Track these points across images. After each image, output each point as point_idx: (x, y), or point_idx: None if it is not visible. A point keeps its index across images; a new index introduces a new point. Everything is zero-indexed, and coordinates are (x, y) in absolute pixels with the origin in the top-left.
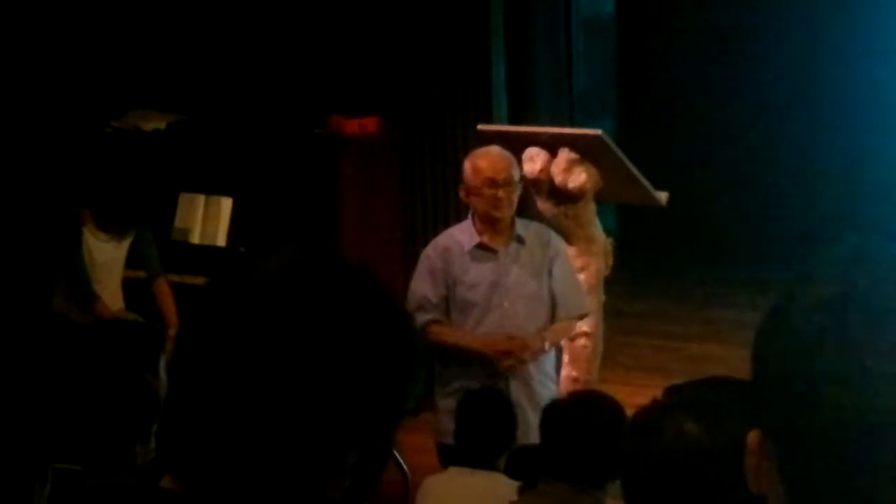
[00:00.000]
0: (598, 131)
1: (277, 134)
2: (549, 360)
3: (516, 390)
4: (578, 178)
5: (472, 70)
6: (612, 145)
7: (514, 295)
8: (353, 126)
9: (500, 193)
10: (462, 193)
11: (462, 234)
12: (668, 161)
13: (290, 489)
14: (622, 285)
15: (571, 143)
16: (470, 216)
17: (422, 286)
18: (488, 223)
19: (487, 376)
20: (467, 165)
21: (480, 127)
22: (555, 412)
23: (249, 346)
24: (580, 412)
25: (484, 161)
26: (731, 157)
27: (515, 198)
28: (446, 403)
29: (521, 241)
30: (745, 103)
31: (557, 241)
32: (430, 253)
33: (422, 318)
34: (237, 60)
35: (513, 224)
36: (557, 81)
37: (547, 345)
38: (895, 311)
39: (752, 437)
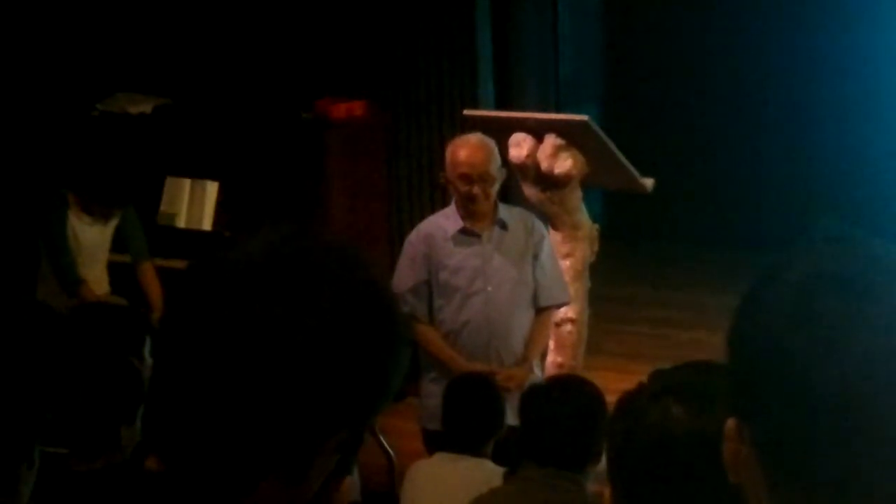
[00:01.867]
0: (585, 117)
1: (264, 118)
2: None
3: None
4: (564, 163)
5: (458, 55)
6: (599, 131)
7: (497, 279)
8: (339, 110)
9: (475, 190)
10: (442, 179)
11: (446, 220)
12: (654, 147)
13: (276, 471)
14: (608, 271)
15: (558, 128)
16: (454, 201)
17: (402, 275)
18: (467, 211)
19: (467, 360)
20: (448, 153)
21: (467, 112)
22: (533, 397)
23: (232, 328)
24: (559, 396)
25: (462, 153)
26: (719, 142)
27: (494, 190)
28: (431, 389)
29: (503, 226)
30: (733, 90)
31: (541, 226)
32: (413, 239)
33: (409, 313)
34: (224, 43)
35: (496, 209)
36: (544, 67)
37: (533, 366)
38: (867, 289)
39: (730, 423)
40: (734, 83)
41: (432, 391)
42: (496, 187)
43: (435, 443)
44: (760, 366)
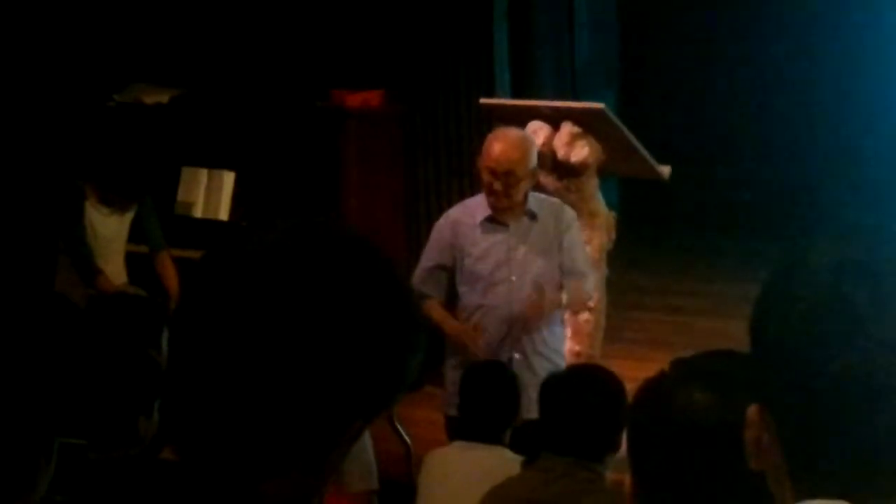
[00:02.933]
0: (601, 105)
1: (280, 107)
2: (555, 337)
3: (518, 365)
4: (581, 151)
5: (474, 43)
6: (615, 119)
7: (521, 270)
8: (355, 99)
9: (496, 185)
10: (478, 165)
11: (476, 206)
12: (670, 135)
13: (292, 462)
14: (625, 259)
15: (574, 116)
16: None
17: (426, 256)
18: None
19: (487, 347)
20: (485, 142)
21: (483, 101)
22: (553, 386)
23: (248, 319)
24: (578, 386)
25: (496, 146)
26: (735, 130)
27: (520, 189)
28: (453, 375)
29: (533, 217)
30: (749, 77)
31: (570, 214)
32: (441, 225)
33: (419, 290)
34: (239, 33)
35: (525, 200)
36: (560, 55)
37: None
38: (892, 278)
39: (752, 410)
40: (753, 71)
41: (453, 378)
42: (523, 186)
43: (457, 430)
44: (786, 352)
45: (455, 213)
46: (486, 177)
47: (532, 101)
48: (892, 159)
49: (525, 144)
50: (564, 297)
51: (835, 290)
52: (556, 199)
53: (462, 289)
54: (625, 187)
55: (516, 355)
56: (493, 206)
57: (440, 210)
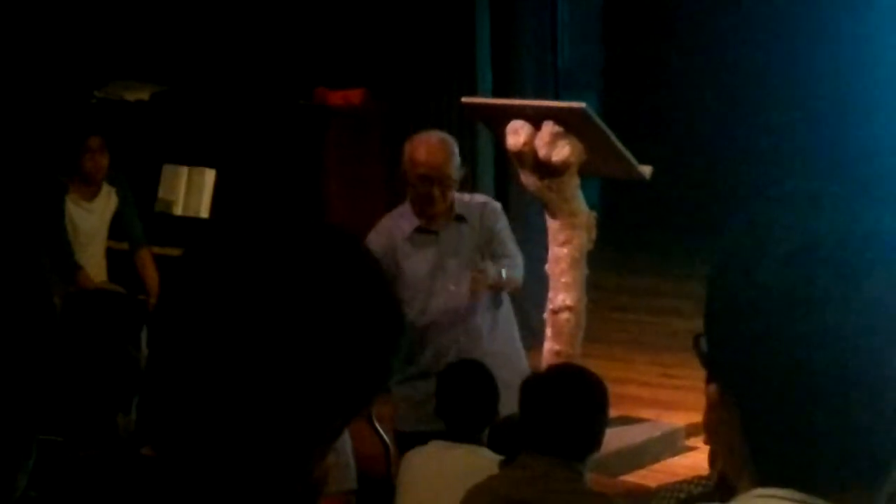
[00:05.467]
0: (582, 104)
1: (262, 105)
2: (501, 341)
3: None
4: (562, 151)
5: (456, 42)
6: (596, 119)
7: (458, 276)
8: (337, 98)
9: (435, 192)
10: (400, 176)
11: (402, 219)
12: (652, 134)
13: (273, 457)
14: (605, 259)
15: (555, 116)
16: (409, 199)
17: None
18: (424, 211)
19: (434, 359)
20: (406, 152)
21: (464, 99)
22: (533, 385)
23: (227, 316)
24: (559, 386)
25: (421, 153)
26: (716, 130)
27: (452, 191)
28: (400, 391)
29: (461, 219)
30: (731, 77)
31: (494, 206)
32: (372, 237)
33: None
34: (222, 31)
35: (452, 205)
36: (542, 54)
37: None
38: (861, 262)
39: (712, 390)
40: (734, 72)
41: (401, 394)
42: (454, 188)
43: (407, 445)
44: (753, 339)
45: (384, 225)
46: (420, 186)
47: (514, 101)
48: (886, 161)
49: (449, 145)
50: (504, 272)
51: (806, 284)
52: (481, 197)
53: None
54: (606, 187)
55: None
56: (426, 214)
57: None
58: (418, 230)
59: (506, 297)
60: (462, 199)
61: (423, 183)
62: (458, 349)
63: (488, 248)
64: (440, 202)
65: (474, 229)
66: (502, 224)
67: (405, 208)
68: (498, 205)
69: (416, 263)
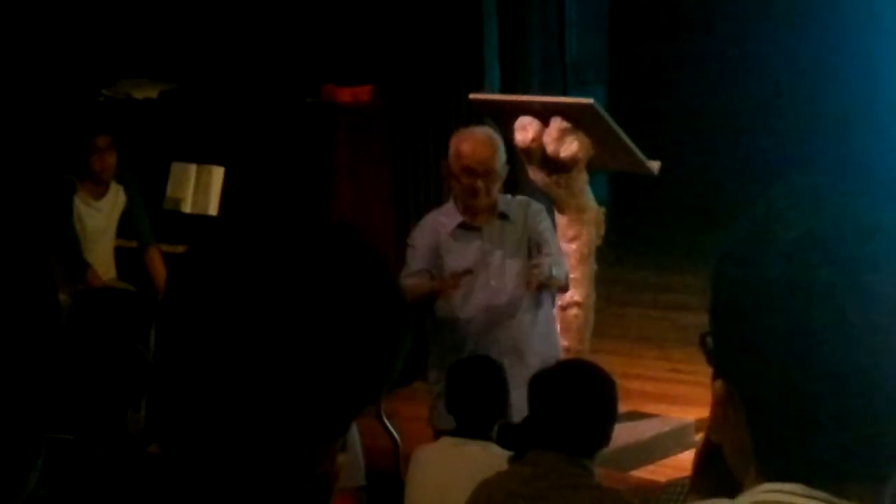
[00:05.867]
0: (590, 100)
1: (270, 103)
2: (539, 339)
3: (510, 367)
4: (570, 147)
5: (464, 39)
6: (604, 114)
7: (500, 273)
8: (346, 95)
9: (479, 184)
10: (443, 171)
11: (445, 216)
12: (660, 130)
13: (281, 454)
14: (614, 255)
15: (563, 112)
16: (452, 196)
17: (408, 265)
18: (468, 206)
19: (479, 351)
20: (451, 146)
21: (472, 96)
22: (542, 382)
23: (235, 312)
24: (567, 381)
25: (466, 146)
26: (724, 125)
27: (496, 186)
28: (437, 389)
29: (504, 217)
30: (737, 71)
31: (539, 210)
32: (416, 232)
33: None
34: (230, 29)
35: (495, 202)
36: (549, 50)
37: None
38: (863, 256)
39: (718, 386)
40: (741, 67)
41: (439, 390)
42: (499, 183)
43: None
44: (757, 334)
45: (429, 219)
46: (464, 179)
47: (522, 97)
48: (888, 158)
49: (495, 140)
50: (554, 270)
51: (807, 275)
52: (522, 197)
53: (439, 301)
54: (614, 183)
55: (506, 359)
56: (471, 209)
57: (429, 205)
58: (461, 226)
59: (547, 298)
60: (505, 197)
61: (468, 175)
62: (498, 346)
63: (532, 247)
64: (484, 196)
65: (517, 227)
66: (546, 224)
67: (449, 206)
68: (541, 205)
69: (459, 259)
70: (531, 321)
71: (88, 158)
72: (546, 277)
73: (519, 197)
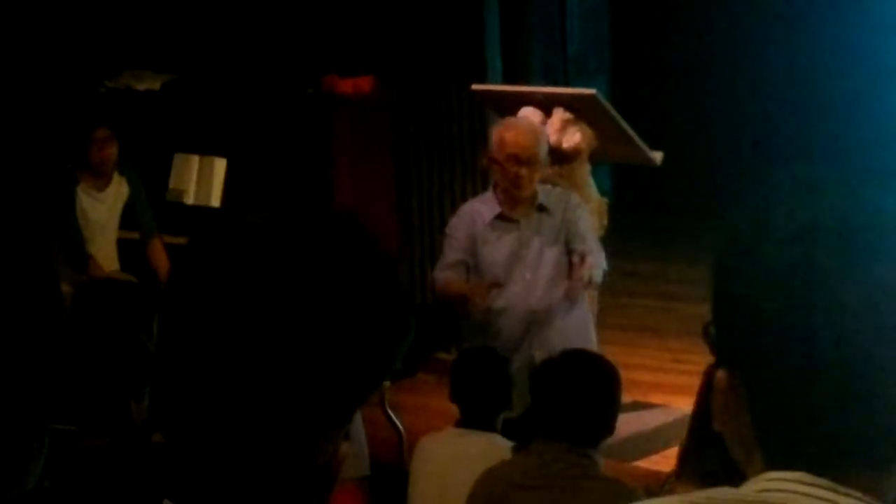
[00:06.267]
0: (593, 91)
1: (271, 94)
2: (568, 333)
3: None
4: (573, 137)
5: (465, 29)
6: (607, 105)
7: (536, 266)
8: (346, 86)
9: (523, 171)
10: (485, 161)
11: (483, 205)
12: (662, 120)
13: (283, 443)
14: (617, 245)
15: (566, 102)
16: (492, 186)
17: (445, 254)
18: (509, 195)
19: (506, 349)
20: (494, 135)
21: (474, 87)
22: (546, 372)
23: (237, 301)
24: (571, 371)
25: (511, 135)
26: (727, 115)
27: (538, 175)
28: None
29: (543, 209)
30: (740, 61)
31: (577, 200)
32: (455, 222)
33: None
34: (231, 20)
35: (535, 194)
36: (551, 41)
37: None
38: (864, 243)
39: (720, 374)
40: (743, 57)
41: None
42: (541, 175)
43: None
44: (759, 322)
45: (467, 209)
46: (510, 167)
47: (524, 87)
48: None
49: (539, 130)
50: (594, 274)
51: (810, 260)
52: (559, 188)
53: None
54: (617, 174)
55: (537, 353)
56: (512, 199)
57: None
58: (499, 217)
59: (584, 294)
60: (545, 187)
61: (512, 163)
62: (530, 339)
63: (570, 239)
64: (527, 184)
65: (556, 220)
66: (584, 218)
67: (488, 195)
68: (578, 197)
69: (495, 250)
70: (565, 316)
71: (88, 150)
72: (585, 287)
73: (558, 188)
